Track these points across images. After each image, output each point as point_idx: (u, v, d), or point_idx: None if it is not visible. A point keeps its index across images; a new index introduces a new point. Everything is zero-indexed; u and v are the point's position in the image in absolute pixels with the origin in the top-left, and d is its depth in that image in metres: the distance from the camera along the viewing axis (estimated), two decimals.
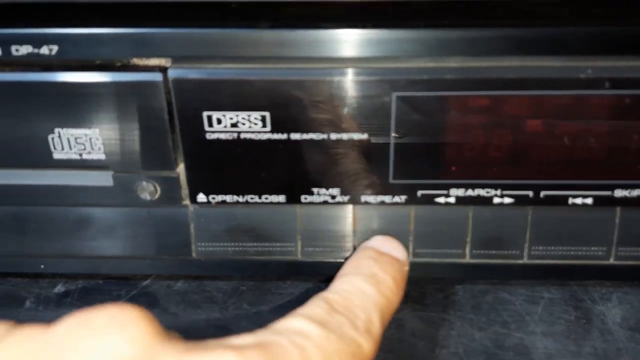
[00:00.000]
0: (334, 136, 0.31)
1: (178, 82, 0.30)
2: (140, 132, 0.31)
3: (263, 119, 0.30)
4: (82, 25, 0.29)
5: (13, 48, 0.29)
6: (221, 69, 0.30)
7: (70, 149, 0.32)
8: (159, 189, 0.33)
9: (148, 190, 0.33)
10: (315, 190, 0.33)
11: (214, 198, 0.33)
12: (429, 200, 0.33)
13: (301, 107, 0.30)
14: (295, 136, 0.31)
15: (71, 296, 0.38)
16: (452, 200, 0.33)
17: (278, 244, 0.35)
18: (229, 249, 0.35)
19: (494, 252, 0.35)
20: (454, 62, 0.29)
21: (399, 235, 0.34)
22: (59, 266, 0.37)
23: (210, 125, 0.31)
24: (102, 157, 0.32)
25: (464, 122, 0.30)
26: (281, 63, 0.29)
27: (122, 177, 0.33)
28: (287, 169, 0.32)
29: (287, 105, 0.30)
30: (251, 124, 0.31)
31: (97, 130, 0.31)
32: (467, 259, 0.35)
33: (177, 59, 0.30)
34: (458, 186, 0.32)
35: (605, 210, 0.33)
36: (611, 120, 0.30)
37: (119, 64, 0.30)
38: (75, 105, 0.31)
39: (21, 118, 0.31)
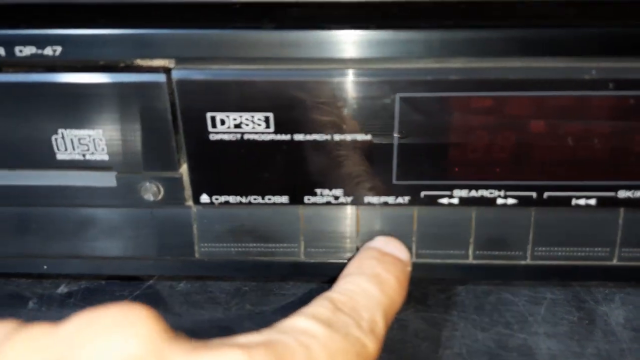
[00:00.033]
0: (337, 137, 0.31)
1: (182, 83, 0.30)
2: (144, 133, 0.31)
3: (266, 120, 0.30)
4: (86, 26, 0.29)
5: (17, 49, 0.29)
6: (225, 70, 0.30)
7: (74, 149, 0.32)
8: (162, 189, 0.33)
9: (151, 191, 0.33)
10: (318, 191, 0.33)
11: (217, 199, 0.33)
12: (432, 201, 0.33)
13: (304, 108, 0.30)
14: (298, 137, 0.31)
15: (74, 297, 0.38)
16: (455, 201, 0.33)
17: (281, 245, 0.35)
18: (232, 249, 0.35)
19: (497, 253, 0.34)
20: (457, 63, 0.29)
21: (402, 236, 0.34)
22: (62, 267, 0.37)
23: (214, 126, 0.31)
24: (106, 157, 0.32)
25: (467, 123, 0.30)
26: (285, 64, 0.29)
27: (126, 177, 0.33)
28: (290, 170, 0.32)
29: (290, 106, 0.30)
30: (254, 125, 0.31)
31: (100, 131, 0.31)
32: (470, 260, 0.35)
33: (181, 60, 0.30)
34: (461, 187, 0.32)
35: (608, 211, 0.33)
36: (615, 121, 0.30)
37: (122, 64, 0.30)
38: (78, 106, 0.31)
39: (25, 119, 0.31)
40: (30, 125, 0.31)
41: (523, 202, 0.32)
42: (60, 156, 0.32)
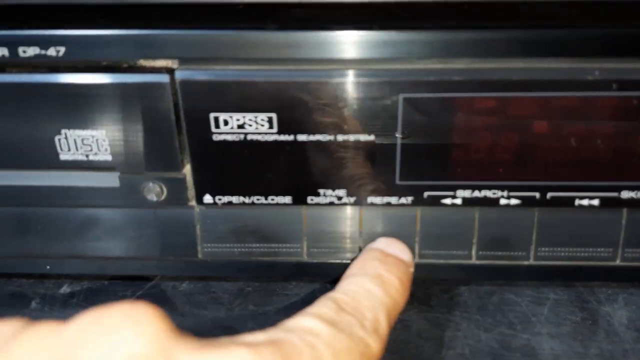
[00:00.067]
0: (340, 137, 0.31)
1: (185, 83, 0.30)
2: (147, 134, 0.31)
3: (270, 121, 0.30)
4: (89, 26, 0.29)
5: (20, 49, 0.29)
6: (228, 71, 0.30)
7: (77, 150, 0.32)
8: (165, 190, 0.33)
9: (154, 191, 0.33)
10: (321, 191, 0.33)
11: (220, 199, 0.33)
12: (435, 201, 0.33)
13: (308, 108, 0.30)
14: (301, 137, 0.31)
15: (77, 297, 0.38)
16: (458, 201, 0.33)
17: (284, 245, 0.35)
18: (235, 250, 0.35)
19: (500, 253, 0.34)
20: (460, 64, 0.29)
21: (405, 236, 0.34)
22: (64, 267, 0.37)
23: (217, 126, 0.31)
24: (109, 158, 0.32)
25: (470, 123, 0.30)
26: (288, 65, 0.29)
27: (129, 178, 0.33)
28: (293, 170, 0.32)
29: (293, 107, 0.30)
30: (258, 126, 0.31)
31: (103, 132, 0.31)
32: (473, 260, 0.35)
33: (184, 61, 0.30)
34: (464, 187, 0.32)
35: (611, 211, 0.33)
36: (618, 122, 0.30)
37: (125, 65, 0.30)
38: (82, 107, 0.31)
39: (28, 119, 0.31)
40: (33, 125, 0.31)
41: (526, 202, 0.32)
42: (63, 156, 0.32)
